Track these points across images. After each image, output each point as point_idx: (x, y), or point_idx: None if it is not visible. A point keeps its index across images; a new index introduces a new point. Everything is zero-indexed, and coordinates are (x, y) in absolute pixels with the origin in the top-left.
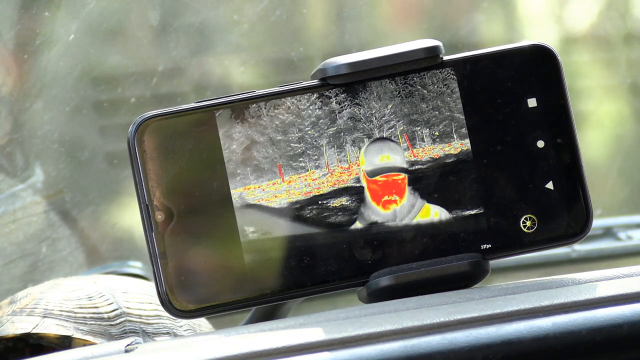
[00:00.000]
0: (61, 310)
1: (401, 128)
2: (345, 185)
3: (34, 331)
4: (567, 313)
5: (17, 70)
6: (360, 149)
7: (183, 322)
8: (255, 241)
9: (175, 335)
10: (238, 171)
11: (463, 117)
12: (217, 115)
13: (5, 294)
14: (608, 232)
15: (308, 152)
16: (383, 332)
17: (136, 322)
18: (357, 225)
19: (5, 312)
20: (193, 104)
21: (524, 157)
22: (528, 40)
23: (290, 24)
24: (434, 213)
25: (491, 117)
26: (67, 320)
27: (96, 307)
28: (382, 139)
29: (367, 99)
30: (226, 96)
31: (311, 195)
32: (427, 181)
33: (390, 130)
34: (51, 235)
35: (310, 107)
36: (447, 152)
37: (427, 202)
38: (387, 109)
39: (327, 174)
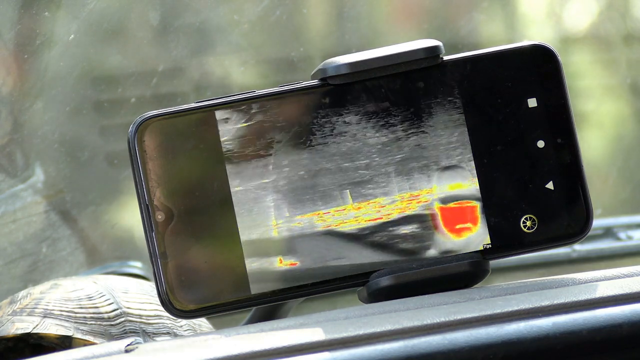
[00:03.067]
0: (61, 310)
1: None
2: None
3: (34, 331)
4: (567, 313)
5: (17, 70)
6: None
7: (183, 322)
8: (256, 241)
9: (175, 335)
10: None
11: (463, 117)
12: (217, 115)
13: (5, 294)
14: (608, 232)
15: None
16: (383, 332)
17: (136, 322)
18: (358, 226)
19: (5, 312)
20: (193, 104)
21: (524, 157)
22: (528, 40)
23: (290, 24)
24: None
25: (491, 117)
26: (67, 320)
27: (96, 307)
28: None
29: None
30: (226, 96)
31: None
32: None
33: (458, 158)
34: (51, 235)
35: (304, 106)
36: None
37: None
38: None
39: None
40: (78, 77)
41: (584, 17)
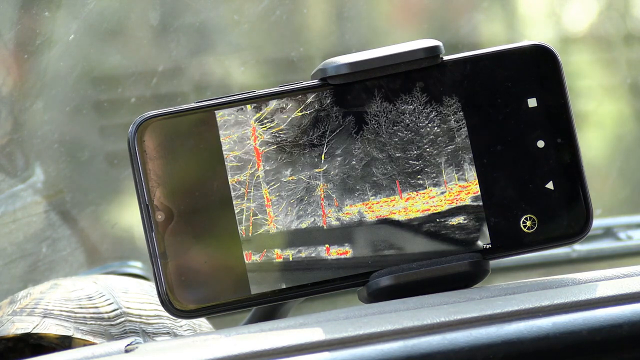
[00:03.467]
0: (61, 310)
1: None
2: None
3: (34, 331)
4: (567, 313)
5: (17, 70)
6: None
7: (183, 322)
8: (256, 241)
9: (175, 335)
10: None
11: (463, 117)
12: (217, 115)
13: (5, 294)
14: (608, 232)
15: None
16: (383, 332)
17: (136, 322)
18: (361, 225)
19: (5, 312)
20: (193, 104)
21: (524, 157)
22: (528, 40)
23: (290, 24)
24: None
25: (491, 117)
26: (67, 320)
27: (96, 307)
28: None
29: None
30: (226, 96)
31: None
32: None
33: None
34: (51, 235)
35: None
36: None
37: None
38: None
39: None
40: (78, 77)
41: (584, 17)
